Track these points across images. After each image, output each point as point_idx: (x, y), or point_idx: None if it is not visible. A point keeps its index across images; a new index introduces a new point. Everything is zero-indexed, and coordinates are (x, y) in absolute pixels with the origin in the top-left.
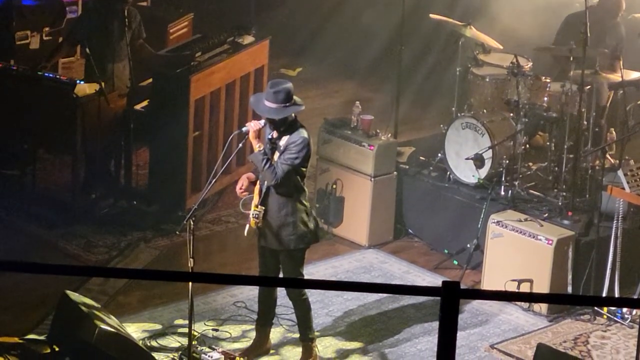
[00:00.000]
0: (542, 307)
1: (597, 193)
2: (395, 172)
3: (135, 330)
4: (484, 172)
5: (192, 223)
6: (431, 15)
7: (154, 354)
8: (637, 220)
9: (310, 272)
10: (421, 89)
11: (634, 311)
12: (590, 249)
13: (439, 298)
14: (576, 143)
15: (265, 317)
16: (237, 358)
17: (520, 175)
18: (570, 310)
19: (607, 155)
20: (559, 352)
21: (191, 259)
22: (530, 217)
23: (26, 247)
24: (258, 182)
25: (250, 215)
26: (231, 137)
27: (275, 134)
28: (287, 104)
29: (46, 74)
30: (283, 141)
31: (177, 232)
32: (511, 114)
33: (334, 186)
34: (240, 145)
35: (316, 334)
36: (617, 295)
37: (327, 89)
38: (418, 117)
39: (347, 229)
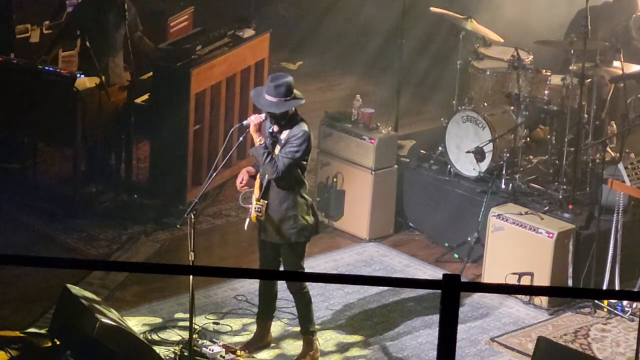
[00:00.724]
0: (543, 300)
1: (598, 186)
2: (395, 166)
3: (135, 323)
4: (484, 165)
5: (192, 216)
6: (432, 9)
7: (155, 348)
8: (637, 213)
9: (311, 265)
10: (422, 82)
11: (634, 304)
12: (591, 242)
13: (439, 291)
14: (577, 136)
15: (266, 311)
16: (238, 351)
17: (521, 169)
18: (571, 303)
19: (608, 149)
20: (560, 345)
21: (192, 253)
22: (530, 210)
23: (27, 240)
24: (258, 175)
25: (252, 209)
26: (232, 130)
27: (276, 128)
28: (288, 98)
29: (46, 68)
30: (284, 135)
31: (178, 226)
32: (512, 107)
33: (335, 179)
34: (241, 138)
35: (317, 327)
36: (617, 288)
37: (327, 83)
38: (419, 110)
39: (348, 222)
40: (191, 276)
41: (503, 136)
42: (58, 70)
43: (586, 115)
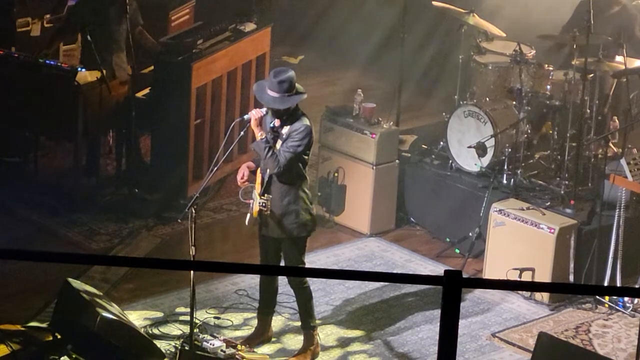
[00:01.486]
0: (544, 296)
1: (600, 182)
2: (397, 160)
3: (136, 318)
4: (486, 160)
5: (193, 211)
6: (434, 3)
7: (156, 342)
8: (639, 209)
9: (312, 260)
10: (423, 76)
11: (636, 300)
12: (593, 237)
13: (440, 286)
14: (579, 131)
15: (266, 305)
16: (239, 346)
17: (523, 164)
18: (572, 298)
19: (610, 144)
20: (561, 341)
21: (193, 247)
22: (532, 205)
23: (28, 234)
24: (259, 171)
25: (256, 204)
26: (233, 125)
27: (277, 122)
28: (292, 93)
29: (47, 62)
30: (285, 129)
31: (179, 220)
32: (514, 102)
33: (336, 174)
34: (242, 133)
35: (317, 322)
36: (619, 284)
37: (328, 77)
38: (420, 105)
39: (349, 217)
40: (192, 271)
41: (505, 131)
42: (59, 64)
43: (588, 111)
